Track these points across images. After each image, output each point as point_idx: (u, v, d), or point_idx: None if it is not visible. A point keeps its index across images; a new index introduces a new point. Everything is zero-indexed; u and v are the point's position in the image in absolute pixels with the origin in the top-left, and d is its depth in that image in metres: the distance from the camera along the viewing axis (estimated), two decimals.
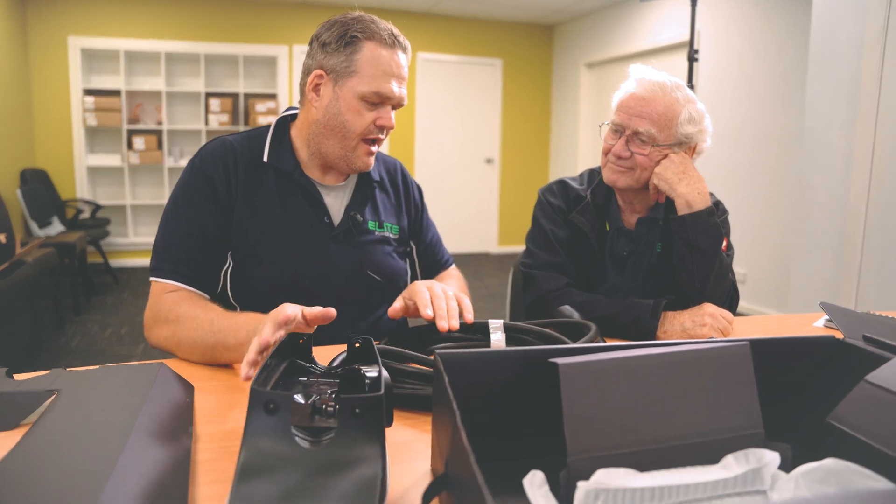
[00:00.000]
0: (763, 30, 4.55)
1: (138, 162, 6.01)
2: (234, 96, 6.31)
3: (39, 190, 5.19)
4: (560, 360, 0.59)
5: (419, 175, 6.97)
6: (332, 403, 0.63)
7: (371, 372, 0.69)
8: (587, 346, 0.67)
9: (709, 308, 1.25)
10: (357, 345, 0.79)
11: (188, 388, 0.85)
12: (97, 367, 0.85)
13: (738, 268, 4.71)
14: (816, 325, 1.42)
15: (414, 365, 0.90)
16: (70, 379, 0.80)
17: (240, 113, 6.31)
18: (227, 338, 0.99)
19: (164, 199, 6.21)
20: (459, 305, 1.07)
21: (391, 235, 1.34)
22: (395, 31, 1.20)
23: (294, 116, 1.30)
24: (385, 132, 1.22)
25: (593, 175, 1.52)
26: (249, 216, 1.20)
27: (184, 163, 6.21)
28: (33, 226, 4.88)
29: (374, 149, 1.24)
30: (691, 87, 2.93)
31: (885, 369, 0.66)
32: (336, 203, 1.28)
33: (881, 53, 2.67)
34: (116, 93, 5.95)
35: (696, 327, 1.21)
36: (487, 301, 5.01)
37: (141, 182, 6.28)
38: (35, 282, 3.51)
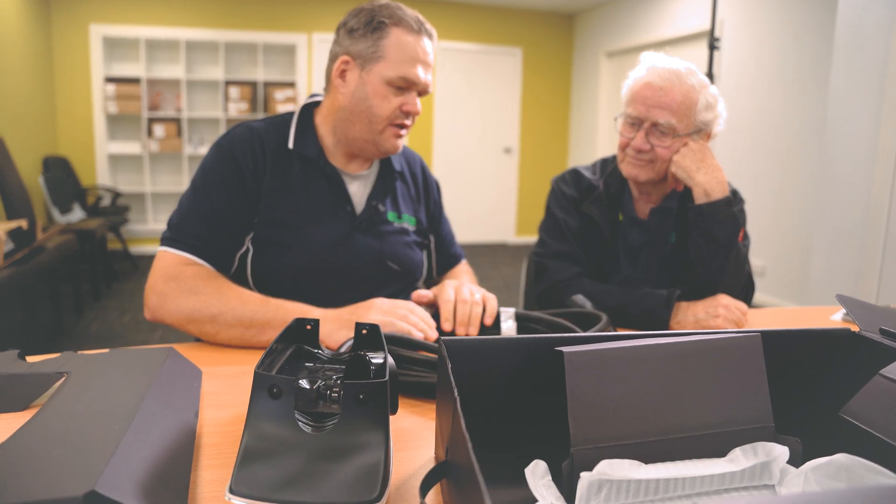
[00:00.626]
0: (786, 17, 4.47)
1: (158, 150, 6.07)
2: (254, 84, 6.34)
3: (61, 177, 5.26)
4: (566, 349, 0.59)
5: (437, 164, 6.95)
6: (337, 389, 0.63)
7: (377, 358, 0.69)
8: (595, 334, 0.66)
9: (723, 299, 1.23)
10: (364, 332, 0.79)
11: (196, 373, 0.86)
12: (107, 350, 0.86)
13: (758, 260, 4.65)
14: (834, 318, 1.40)
15: (421, 352, 0.90)
16: (80, 362, 0.80)
17: (259, 101, 6.33)
18: (277, 317, 1.03)
19: (183, 186, 6.27)
20: (485, 305, 1.11)
21: (409, 227, 1.35)
22: (421, 17, 1.21)
23: (318, 103, 1.30)
24: (411, 118, 1.23)
25: (606, 164, 1.50)
26: (275, 203, 1.20)
27: (203, 150, 6.25)
28: (55, 212, 4.95)
29: (403, 132, 1.24)
30: (711, 75, 2.88)
31: None
32: (358, 192, 1.29)
33: None
34: (137, 80, 6.01)
35: (710, 318, 1.20)
36: (502, 291, 5.00)
37: (160, 170, 6.33)
38: (55, 267, 3.56)
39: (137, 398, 0.66)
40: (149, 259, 5.97)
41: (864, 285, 2.78)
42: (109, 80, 5.96)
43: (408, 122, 1.23)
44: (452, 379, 0.54)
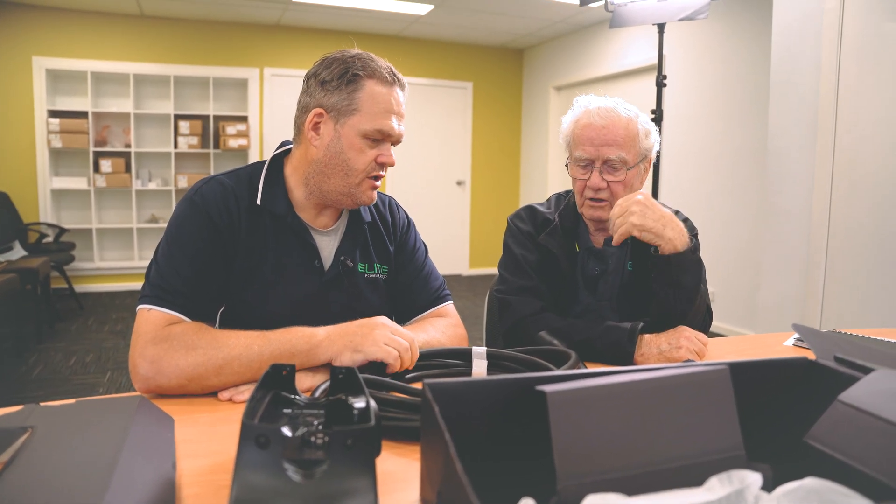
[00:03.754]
0: (728, 51, 4.70)
1: (105, 185, 5.91)
2: (205, 118, 6.26)
3: (0, 213, 5.06)
4: (547, 388, 0.60)
5: None
6: (323, 435, 0.63)
7: (358, 402, 0.69)
8: (572, 372, 0.68)
9: (685, 331, 1.27)
10: (340, 376, 0.79)
11: (168, 422, 0.84)
12: (73, 401, 0.83)
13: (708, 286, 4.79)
14: (787, 343, 1.46)
15: (396, 394, 0.91)
16: (45, 415, 0.78)
17: (210, 135, 6.26)
18: (285, 350, 1.02)
19: (131, 222, 6.11)
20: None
21: (380, 276, 1.33)
22: (394, 68, 1.21)
23: (287, 152, 1.28)
24: (385, 168, 1.22)
25: (560, 199, 1.54)
26: (249, 260, 1.18)
27: (153, 185, 6.13)
28: None
29: (378, 184, 1.24)
30: (661, 111, 3.00)
31: (856, 389, 0.69)
32: (327, 246, 1.27)
33: (836, 78, 2.78)
34: (83, 114, 5.86)
35: (673, 349, 1.23)
36: None
37: (108, 205, 6.16)
38: None
39: (113, 453, 0.64)
40: (95, 297, 5.77)
41: (809, 310, 2.90)
42: (53, 113, 5.80)
43: (382, 172, 1.23)
44: (442, 423, 0.55)
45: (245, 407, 0.64)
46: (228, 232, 1.16)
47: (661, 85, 3.01)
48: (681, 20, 2.87)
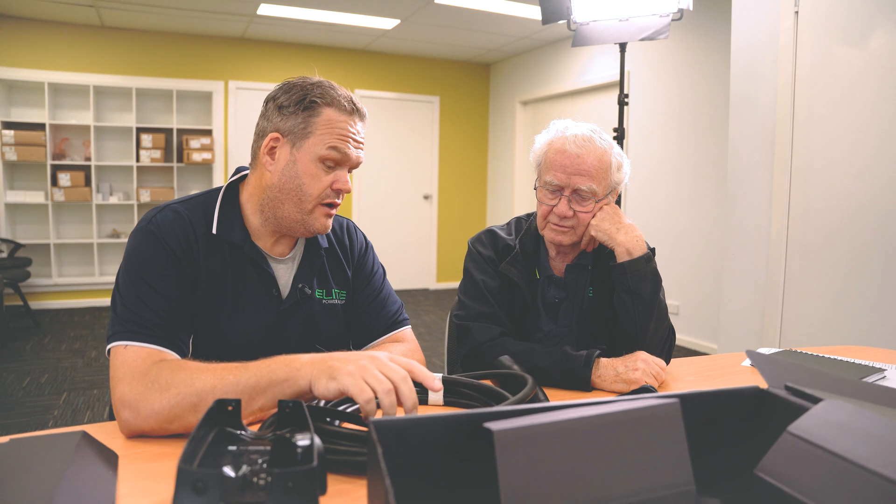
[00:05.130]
0: (689, 69, 4.79)
1: (64, 199, 5.76)
2: (168, 132, 6.16)
3: None
4: (494, 426, 0.59)
5: (357, 212, 6.95)
6: (264, 476, 0.61)
7: (303, 440, 0.67)
8: (521, 407, 0.67)
9: (641, 355, 1.28)
10: (287, 410, 0.77)
11: (112, 458, 0.81)
12: (6, 438, 0.80)
13: (672, 300, 4.86)
14: (744, 364, 1.47)
15: (345, 424, 0.89)
16: None
17: (173, 149, 6.16)
18: (262, 379, 0.94)
19: (91, 237, 5.97)
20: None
21: (339, 302, 1.31)
22: (355, 98, 1.20)
23: (243, 178, 1.25)
24: (341, 196, 1.20)
25: (520, 223, 1.53)
26: (206, 290, 1.15)
27: (114, 200, 6.00)
28: None
29: (333, 211, 1.21)
30: (623, 130, 3.04)
31: (804, 420, 0.69)
32: (284, 274, 1.25)
33: (791, 99, 2.85)
34: (40, 126, 5.71)
35: (630, 371, 1.23)
36: (426, 339, 4.98)
37: (67, 220, 6.01)
38: None
39: (47, 494, 0.62)
40: (52, 314, 5.61)
41: (768, 328, 2.95)
42: (7, 125, 5.64)
43: (338, 200, 1.20)
44: (384, 466, 0.54)
45: (183, 448, 0.62)
46: (187, 260, 1.12)
47: (622, 103, 3.06)
48: (642, 40, 2.92)
